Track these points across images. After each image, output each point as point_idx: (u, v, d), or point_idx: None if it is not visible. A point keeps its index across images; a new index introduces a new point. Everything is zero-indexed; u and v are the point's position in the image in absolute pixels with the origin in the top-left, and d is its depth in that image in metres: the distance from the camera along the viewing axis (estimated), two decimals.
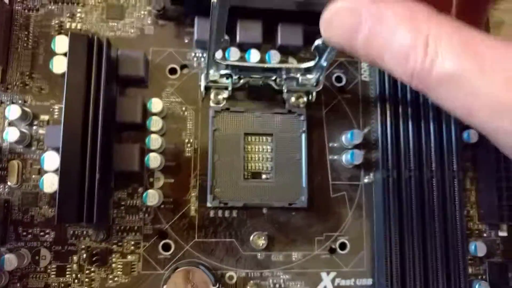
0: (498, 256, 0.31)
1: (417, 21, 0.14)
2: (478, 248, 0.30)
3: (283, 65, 0.29)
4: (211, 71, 0.28)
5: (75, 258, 0.29)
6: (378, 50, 0.15)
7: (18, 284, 0.28)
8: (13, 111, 0.28)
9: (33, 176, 0.29)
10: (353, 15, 0.16)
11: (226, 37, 0.24)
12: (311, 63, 0.27)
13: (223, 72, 0.29)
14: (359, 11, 0.16)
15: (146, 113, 0.29)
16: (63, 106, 0.26)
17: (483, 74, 0.13)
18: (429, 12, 0.15)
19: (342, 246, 0.30)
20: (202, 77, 0.30)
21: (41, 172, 0.29)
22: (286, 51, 0.31)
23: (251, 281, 0.29)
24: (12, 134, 0.28)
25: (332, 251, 0.30)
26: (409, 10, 0.15)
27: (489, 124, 0.14)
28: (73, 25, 0.31)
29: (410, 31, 0.14)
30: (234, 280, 0.29)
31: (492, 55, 0.14)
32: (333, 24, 0.17)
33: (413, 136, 0.30)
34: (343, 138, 0.31)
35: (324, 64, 0.26)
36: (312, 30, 0.32)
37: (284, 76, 0.29)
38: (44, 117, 0.30)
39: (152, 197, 0.28)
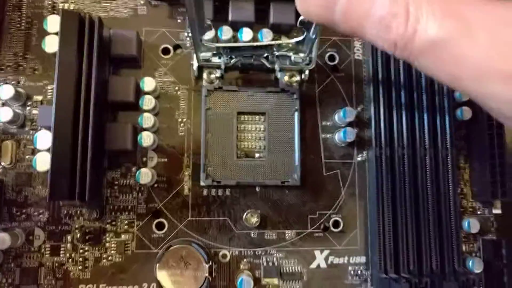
0: (491, 234, 0.31)
1: None
2: (471, 225, 0.30)
3: (272, 42, 0.29)
4: (202, 53, 0.28)
5: (69, 237, 0.29)
6: (358, 21, 0.15)
7: (13, 264, 0.28)
8: (6, 91, 0.28)
9: (27, 156, 0.29)
10: None
11: (208, 22, 0.24)
12: (299, 38, 0.27)
13: (214, 51, 0.29)
14: None
15: (139, 92, 0.29)
16: (54, 85, 0.26)
17: (467, 37, 0.13)
18: None
19: (336, 224, 0.31)
20: (195, 56, 0.30)
21: (34, 152, 0.29)
22: (278, 30, 0.31)
23: (245, 259, 0.29)
24: (5, 114, 0.28)
25: (325, 229, 0.30)
26: None
27: (477, 88, 0.14)
28: (66, 5, 0.31)
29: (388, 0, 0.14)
30: (227, 259, 0.29)
31: (475, 16, 0.13)
32: (309, 0, 0.16)
33: (406, 114, 0.30)
34: (336, 116, 0.31)
35: (313, 37, 0.26)
36: None
37: (276, 53, 0.29)
38: (38, 98, 0.30)
39: (145, 175, 0.28)
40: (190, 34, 0.31)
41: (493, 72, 0.13)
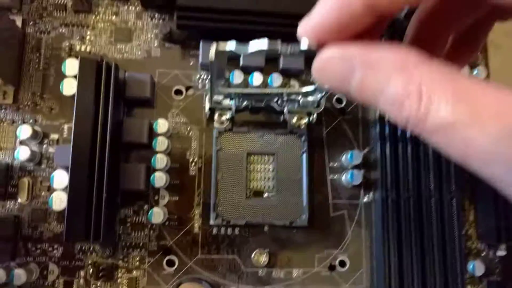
0: (496, 275, 0.32)
1: (408, 69, 0.14)
2: (476, 267, 0.30)
3: (284, 90, 0.29)
4: (215, 96, 0.29)
5: (82, 273, 0.30)
6: (372, 95, 0.15)
7: None
8: (24, 131, 0.29)
9: (43, 193, 0.30)
10: (345, 64, 0.16)
11: (227, 76, 0.25)
12: (310, 88, 0.27)
13: (225, 94, 0.30)
14: (350, 60, 0.16)
15: (152, 134, 0.30)
16: (72, 127, 0.27)
17: (476, 123, 0.13)
18: (420, 58, 0.14)
19: (342, 263, 0.31)
20: (207, 98, 0.31)
21: (50, 189, 0.30)
22: (288, 74, 0.32)
23: None
24: (23, 153, 0.29)
25: (332, 268, 0.31)
26: (400, 57, 0.15)
27: (485, 170, 0.14)
28: (83, 47, 0.32)
29: (402, 80, 0.14)
30: None
31: (486, 103, 0.13)
32: (325, 73, 0.17)
33: (411, 157, 0.31)
34: (343, 158, 0.32)
35: (324, 92, 0.27)
36: (313, 54, 0.33)
37: (285, 98, 0.30)
38: (54, 136, 0.31)
39: (157, 215, 0.29)
40: (202, 76, 0.32)
41: (501, 159, 0.13)
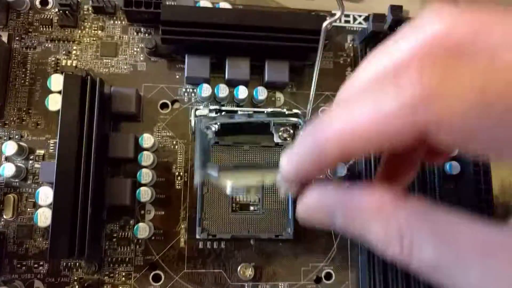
0: None
1: (386, 214, 0.14)
2: None
3: (269, 119, 0.30)
4: (199, 110, 0.30)
5: None
6: (357, 235, 0.15)
7: None
8: (10, 147, 0.29)
9: (28, 209, 0.30)
10: (325, 210, 0.16)
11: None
12: (296, 120, 0.28)
13: (212, 107, 0.30)
14: (329, 206, 0.16)
15: (138, 148, 0.30)
16: (57, 144, 0.27)
17: (459, 265, 0.13)
18: (396, 199, 0.14)
19: (328, 276, 0.31)
20: (192, 112, 0.31)
21: (36, 205, 0.30)
22: (273, 87, 0.33)
23: None
24: (8, 170, 0.29)
25: (318, 281, 0.31)
26: (376, 201, 0.14)
27: None
28: (69, 62, 0.32)
29: (381, 226, 0.14)
30: None
31: (466, 242, 0.13)
32: (309, 216, 0.17)
33: None
34: (328, 170, 0.32)
35: None
36: (297, 66, 0.33)
37: (270, 110, 0.30)
38: (40, 152, 0.31)
39: (143, 230, 0.29)
40: (188, 90, 0.33)
41: None
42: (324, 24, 0.23)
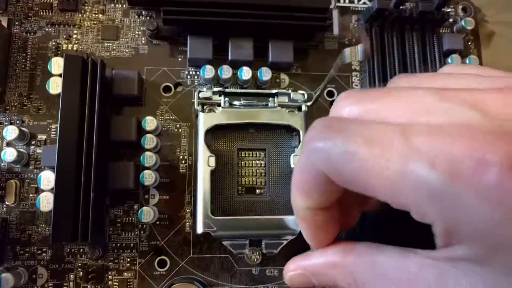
0: None
1: (343, 264, 0.16)
2: None
3: (271, 122, 0.30)
4: (204, 92, 0.29)
5: (71, 276, 0.29)
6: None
7: None
8: (11, 132, 0.29)
9: (31, 195, 0.30)
10: (304, 278, 0.18)
11: None
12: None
13: (215, 89, 0.30)
14: (306, 275, 0.18)
15: (141, 131, 0.30)
16: (58, 127, 0.27)
17: None
18: (348, 249, 0.16)
19: None
20: (196, 94, 0.30)
21: (38, 191, 0.29)
22: (277, 67, 0.32)
23: None
24: (9, 155, 0.29)
25: None
26: (334, 257, 0.17)
27: None
28: (70, 46, 0.32)
29: (340, 275, 0.16)
30: None
31: (392, 274, 0.14)
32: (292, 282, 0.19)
33: None
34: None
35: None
36: (301, 47, 0.33)
37: (275, 91, 0.29)
38: (42, 137, 0.30)
39: (147, 214, 0.29)
40: (191, 72, 0.32)
41: None
42: (346, 60, 0.22)
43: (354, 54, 0.22)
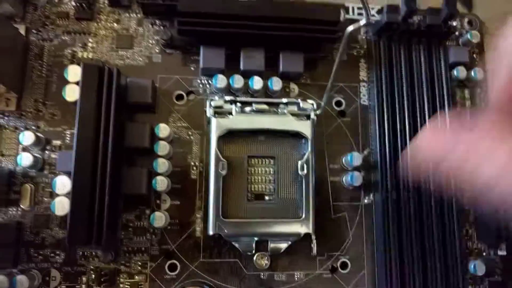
0: (498, 275, 0.32)
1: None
2: (477, 267, 0.31)
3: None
4: (215, 101, 0.30)
5: (84, 278, 0.30)
6: (464, 179, 0.16)
7: None
8: (27, 137, 0.29)
9: (45, 199, 0.30)
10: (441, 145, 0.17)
11: None
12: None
13: (227, 98, 0.30)
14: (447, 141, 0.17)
15: (154, 138, 0.31)
16: (75, 133, 0.27)
17: None
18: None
19: (343, 265, 0.31)
20: (208, 102, 0.31)
21: (52, 195, 0.30)
22: (287, 77, 0.33)
23: None
24: (25, 159, 0.29)
25: (333, 270, 0.31)
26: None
27: None
28: (85, 54, 0.33)
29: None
30: None
31: None
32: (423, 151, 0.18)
33: None
34: (344, 160, 0.32)
35: None
36: (311, 57, 0.33)
37: (285, 101, 0.30)
38: (56, 142, 0.31)
39: (159, 219, 0.29)
40: (203, 81, 0.33)
41: None
42: (349, 29, 0.23)
43: (356, 24, 0.23)
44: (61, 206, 0.28)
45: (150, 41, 0.33)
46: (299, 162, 0.30)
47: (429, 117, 0.31)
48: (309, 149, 0.30)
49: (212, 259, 0.30)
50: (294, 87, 0.33)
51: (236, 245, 0.29)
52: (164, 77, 0.33)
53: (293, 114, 0.31)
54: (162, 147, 0.30)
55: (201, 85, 0.33)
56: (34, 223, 0.30)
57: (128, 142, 0.30)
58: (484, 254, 0.32)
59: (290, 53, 0.32)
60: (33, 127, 0.31)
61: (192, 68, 0.33)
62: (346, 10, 0.35)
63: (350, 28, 0.23)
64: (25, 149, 0.31)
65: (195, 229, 0.31)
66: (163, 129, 0.30)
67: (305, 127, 0.31)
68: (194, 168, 0.32)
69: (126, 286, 0.30)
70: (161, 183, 0.30)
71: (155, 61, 0.33)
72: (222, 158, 0.29)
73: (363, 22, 0.22)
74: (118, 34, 0.33)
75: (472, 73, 0.34)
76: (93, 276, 0.30)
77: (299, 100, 0.31)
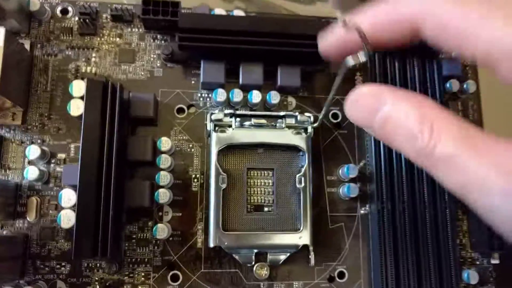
0: (491, 283, 0.33)
1: (424, 110, 0.19)
2: (470, 276, 0.31)
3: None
4: (216, 114, 0.31)
5: None
6: (392, 130, 0.19)
7: None
8: (33, 151, 0.30)
9: (50, 211, 0.31)
10: (375, 99, 0.20)
11: None
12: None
13: (227, 112, 0.31)
14: (380, 97, 0.20)
15: (156, 151, 0.31)
16: (80, 146, 0.28)
17: (474, 158, 0.17)
18: (434, 104, 0.19)
19: (341, 275, 0.32)
20: (208, 116, 0.32)
21: (58, 207, 0.31)
22: (285, 91, 0.34)
23: None
24: (32, 173, 0.30)
25: (331, 280, 0.32)
26: (419, 101, 0.19)
27: (479, 198, 0.17)
28: (89, 69, 0.33)
29: (418, 118, 0.18)
30: None
31: (483, 144, 0.17)
32: (357, 104, 0.21)
33: (406, 169, 0.32)
34: (340, 171, 0.33)
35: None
36: (308, 71, 0.34)
37: (283, 114, 0.31)
38: (61, 155, 0.32)
39: (162, 230, 0.30)
40: (203, 95, 0.34)
41: (494, 187, 0.16)
42: (349, 63, 0.24)
43: (356, 58, 0.24)
44: (67, 219, 0.29)
45: (152, 55, 0.34)
46: (297, 176, 0.31)
47: None
48: (306, 162, 0.31)
49: (213, 270, 0.31)
50: (291, 100, 0.34)
51: (236, 257, 0.30)
52: (166, 91, 0.33)
53: (291, 127, 0.32)
54: (164, 160, 0.31)
55: (201, 99, 0.34)
56: (40, 236, 0.31)
57: (131, 156, 0.31)
58: (477, 263, 0.33)
59: (288, 68, 0.33)
60: (39, 141, 0.32)
61: (192, 82, 0.34)
62: None
63: (351, 62, 0.24)
64: (30, 162, 0.31)
65: (197, 240, 0.32)
66: (165, 143, 0.31)
67: (302, 141, 0.31)
68: (195, 180, 0.32)
69: None
70: (163, 195, 0.30)
71: (156, 75, 0.34)
72: (222, 172, 0.30)
73: (362, 59, 0.23)
74: (120, 49, 0.34)
75: (465, 86, 0.35)
76: (98, 286, 0.30)
77: (297, 113, 0.32)
